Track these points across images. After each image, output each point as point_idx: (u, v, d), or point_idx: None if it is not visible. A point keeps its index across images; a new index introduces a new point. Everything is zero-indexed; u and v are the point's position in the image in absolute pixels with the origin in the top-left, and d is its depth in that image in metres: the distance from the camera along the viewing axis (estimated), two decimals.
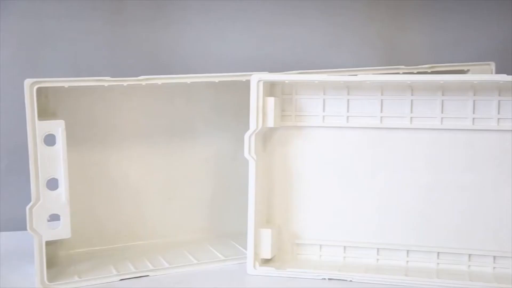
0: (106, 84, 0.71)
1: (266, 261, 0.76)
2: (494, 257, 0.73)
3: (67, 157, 0.70)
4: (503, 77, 0.69)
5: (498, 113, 0.73)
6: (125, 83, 0.72)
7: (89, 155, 0.81)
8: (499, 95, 0.73)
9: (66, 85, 0.70)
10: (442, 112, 0.74)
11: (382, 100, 0.76)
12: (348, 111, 0.77)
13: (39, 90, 0.68)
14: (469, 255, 0.74)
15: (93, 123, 0.81)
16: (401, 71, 0.80)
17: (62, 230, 0.71)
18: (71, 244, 0.80)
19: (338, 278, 0.73)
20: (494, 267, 0.73)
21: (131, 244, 0.84)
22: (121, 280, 0.73)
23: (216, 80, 0.76)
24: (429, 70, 0.81)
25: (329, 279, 0.73)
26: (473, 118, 0.73)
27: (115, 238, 0.84)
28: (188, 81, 0.75)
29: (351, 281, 0.72)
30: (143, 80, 0.73)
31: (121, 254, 0.81)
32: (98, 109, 0.81)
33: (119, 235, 0.84)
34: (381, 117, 0.76)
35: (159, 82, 0.73)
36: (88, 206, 0.82)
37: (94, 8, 0.92)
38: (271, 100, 0.75)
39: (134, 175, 0.84)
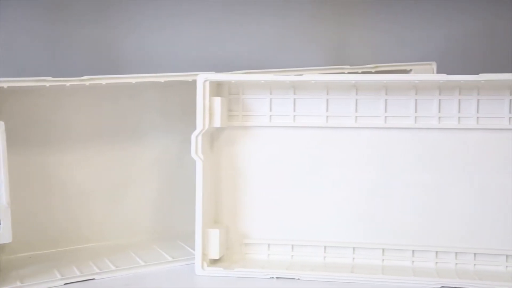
0: (47, 84, 0.70)
1: (214, 261, 0.76)
2: (437, 252, 0.75)
3: (8, 159, 0.68)
4: (443, 77, 0.71)
5: (439, 111, 0.75)
6: (67, 83, 0.70)
7: (32, 157, 0.80)
8: (440, 94, 0.75)
9: (5, 85, 0.68)
10: (385, 111, 0.76)
11: (327, 99, 0.77)
12: (294, 111, 0.77)
13: None
14: (413, 251, 0.76)
15: (36, 125, 0.79)
16: (346, 71, 0.81)
17: (3, 234, 0.69)
18: (13, 248, 0.78)
19: (285, 276, 0.74)
20: (436, 262, 0.75)
21: (76, 247, 0.82)
22: (65, 284, 0.71)
23: (162, 80, 0.75)
24: (373, 70, 0.82)
25: (277, 278, 0.74)
26: (415, 117, 0.75)
27: (59, 241, 0.82)
28: (133, 81, 0.74)
29: (298, 279, 0.73)
30: (87, 80, 0.71)
31: (65, 257, 0.79)
32: (41, 110, 0.79)
33: (64, 239, 0.82)
34: (327, 116, 0.77)
35: (103, 82, 0.72)
36: (30, 209, 0.80)
37: (35, 7, 0.90)
38: (217, 100, 0.75)
39: (78, 177, 0.83)
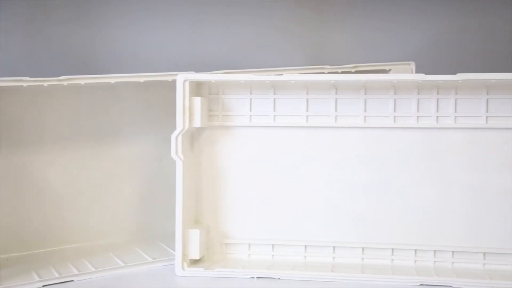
0: (25, 84, 0.69)
1: (194, 262, 0.76)
2: (416, 250, 0.76)
3: None
4: (421, 76, 0.71)
5: (418, 111, 0.75)
6: (45, 84, 0.70)
7: (8, 158, 0.79)
8: (418, 94, 0.75)
9: None
10: (365, 111, 0.76)
11: (307, 99, 0.77)
12: (274, 111, 0.77)
13: None
14: (392, 249, 0.76)
15: (13, 125, 0.78)
16: (326, 71, 0.81)
17: None
18: None
19: (266, 276, 0.74)
20: (415, 261, 0.76)
21: (54, 249, 0.81)
22: (44, 286, 0.71)
23: (141, 80, 0.75)
24: (352, 70, 0.83)
25: (257, 277, 0.74)
26: (394, 116, 0.76)
27: (37, 243, 0.81)
28: (112, 81, 0.73)
29: (279, 279, 0.73)
30: (65, 80, 0.71)
31: (44, 259, 0.78)
32: (18, 111, 0.78)
33: (42, 240, 0.81)
34: (307, 116, 0.77)
35: (82, 82, 0.71)
36: (7, 211, 0.79)
37: (13, 6, 0.89)
38: (197, 100, 0.75)
39: (57, 178, 0.82)
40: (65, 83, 0.71)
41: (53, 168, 0.82)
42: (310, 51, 1.01)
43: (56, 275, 0.73)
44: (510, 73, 0.70)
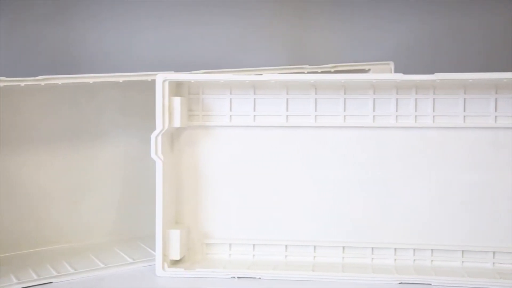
0: (1, 84, 0.68)
1: (175, 262, 0.76)
2: (395, 249, 0.76)
3: None
4: (400, 76, 0.72)
5: (397, 110, 0.76)
6: (22, 84, 0.69)
7: None
8: (397, 94, 0.76)
9: None
10: (344, 110, 0.76)
11: (287, 99, 0.77)
12: (254, 110, 0.78)
13: None
14: (372, 248, 0.77)
15: None
16: (305, 71, 0.82)
17: None
18: None
19: (247, 276, 0.74)
20: (395, 259, 0.76)
21: (33, 250, 0.81)
22: None
23: (120, 80, 0.74)
24: (332, 70, 0.83)
25: (238, 277, 0.74)
26: (374, 116, 0.76)
27: (15, 245, 0.80)
28: (91, 81, 0.73)
29: (260, 278, 0.73)
30: (42, 80, 0.70)
31: (22, 261, 0.77)
32: None
33: (20, 241, 0.81)
34: (287, 115, 0.77)
35: (59, 82, 0.71)
36: None
37: None
38: (177, 100, 0.74)
39: (37, 179, 0.81)
40: (42, 83, 0.70)
41: (31, 169, 0.81)
42: (290, 51, 1.01)
43: (35, 277, 0.72)
44: (487, 73, 0.71)
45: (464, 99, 0.75)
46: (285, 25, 1.01)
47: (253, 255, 0.78)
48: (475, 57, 1.02)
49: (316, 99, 0.77)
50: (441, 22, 1.02)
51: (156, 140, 0.73)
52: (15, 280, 0.71)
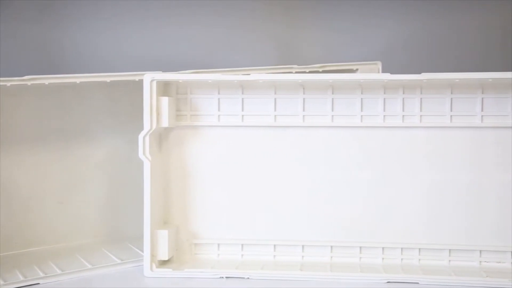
0: None
1: (163, 262, 0.76)
2: (383, 248, 0.77)
3: None
4: (387, 76, 0.72)
5: (384, 110, 0.76)
6: (8, 83, 0.68)
7: None
8: (385, 93, 0.76)
9: None
10: (332, 110, 0.77)
11: (275, 99, 0.77)
12: (243, 110, 0.78)
13: None
14: (360, 247, 0.77)
15: None
16: (293, 70, 0.82)
17: None
18: None
19: (235, 276, 0.74)
20: (383, 258, 0.77)
21: (20, 251, 0.80)
22: None
23: (108, 79, 0.74)
24: (320, 70, 0.83)
25: (226, 277, 0.73)
26: (361, 116, 0.76)
27: (2, 245, 0.79)
28: (77, 81, 0.72)
29: (248, 278, 0.73)
30: (28, 80, 0.70)
31: (9, 262, 0.77)
32: None
33: (6, 242, 0.80)
34: (275, 115, 0.77)
35: (46, 82, 0.70)
36: None
37: None
38: (165, 100, 0.74)
39: (23, 179, 0.81)
40: (29, 83, 0.70)
41: (18, 170, 0.81)
42: (278, 51, 1.01)
43: (22, 278, 0.72)
44: (473, 73, 0.71)
45: (451, 98, 0.75)
46: (274, 24, 1.01)
47: (242, 255, 0.78)
48: (463, 56, 1.02)
49: (304, 98, 0.77)
50: (429, 22, 1.03)
51: (144, 140, 0.73)
52: (1, 282, 0.70)
